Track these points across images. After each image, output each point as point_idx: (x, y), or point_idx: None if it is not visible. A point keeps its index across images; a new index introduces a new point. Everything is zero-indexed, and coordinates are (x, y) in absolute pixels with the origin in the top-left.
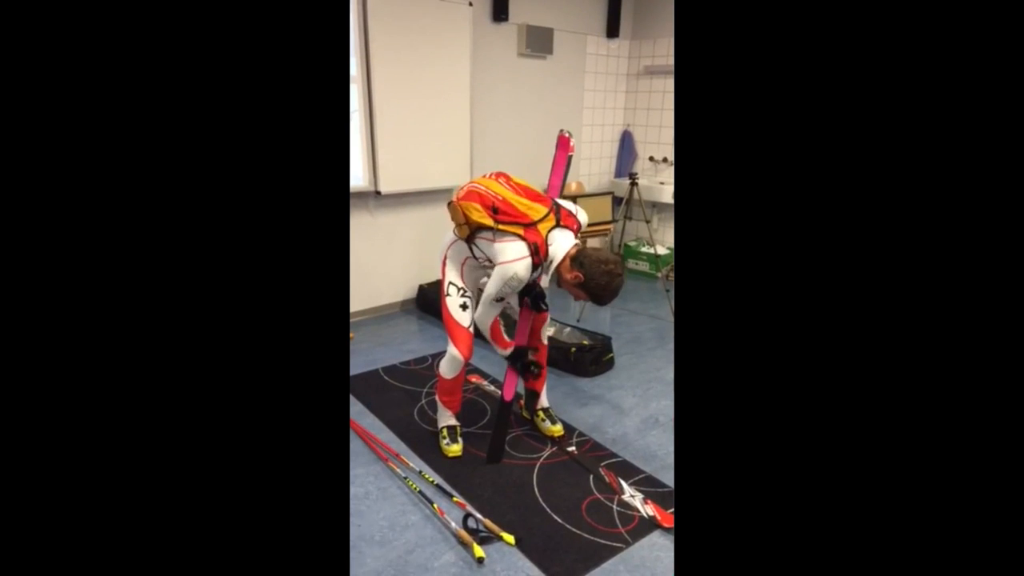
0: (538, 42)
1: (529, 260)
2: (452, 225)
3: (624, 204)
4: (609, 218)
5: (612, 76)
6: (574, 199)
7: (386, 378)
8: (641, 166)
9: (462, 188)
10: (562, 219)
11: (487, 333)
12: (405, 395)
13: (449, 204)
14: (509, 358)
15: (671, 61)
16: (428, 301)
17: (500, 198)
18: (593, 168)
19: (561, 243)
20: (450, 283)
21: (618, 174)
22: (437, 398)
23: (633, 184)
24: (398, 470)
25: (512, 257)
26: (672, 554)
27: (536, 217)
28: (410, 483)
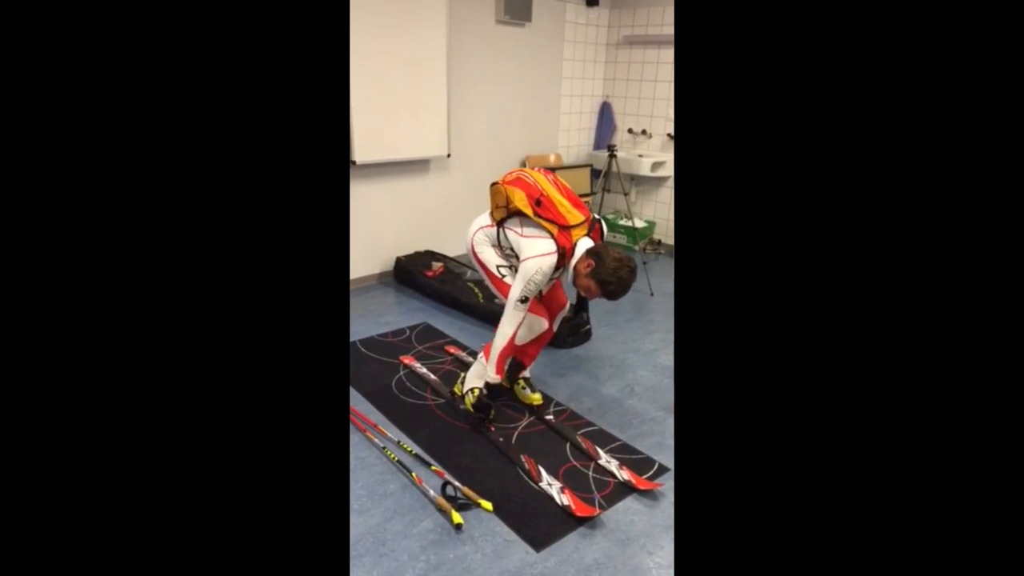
0: (516, 9)
1: (555, 259)
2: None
3: (602, 176)
4: (587, 190)
5: (591, 46)
6: (553, 170)
7: (364, 350)
8: (620, 138)
9: (510, 172)
10: (593, 232)
11: (502, 344)
12: (383, 367)
13: (493, 185)
14: (487, 387)
15: (651, 31)
16: (406, 273)
17: (546, 194)
18: (572, 140)
19: (583, 247)
20: (498, 267)
21: (597, 146)
22: (482, 359)
23: (612, 156)
24: (376, 440)
25: (539, 252)
26: (645, 517)
27: (573, 222)
28: (388, 453)
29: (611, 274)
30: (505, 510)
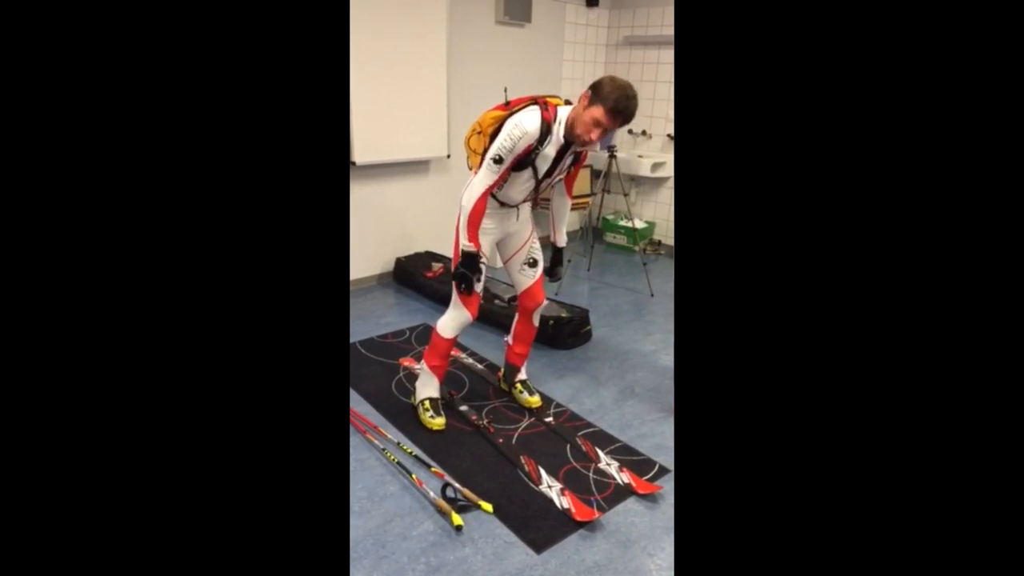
0: (516, 10)
1: (538, 113)
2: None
3: (602, 177)
4: (588, 191)
5: (591, 46)
6: None
7: (363, 351)
8: (620, 139)
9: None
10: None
11: (469, 207)
12: (383, 368)
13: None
14: (463, 255)
15: (651, 31)
16: (406, 274)
17: (512, 101)
18: None
19: (565, 111)
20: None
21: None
22: (424, 365)
23: (612, 157)
24: (376, 442)
25: (523, 116)
26: (646, 519)
27: (547, 96)
28: (388, 454)
29: (609, 92)
30: (505, 512)
